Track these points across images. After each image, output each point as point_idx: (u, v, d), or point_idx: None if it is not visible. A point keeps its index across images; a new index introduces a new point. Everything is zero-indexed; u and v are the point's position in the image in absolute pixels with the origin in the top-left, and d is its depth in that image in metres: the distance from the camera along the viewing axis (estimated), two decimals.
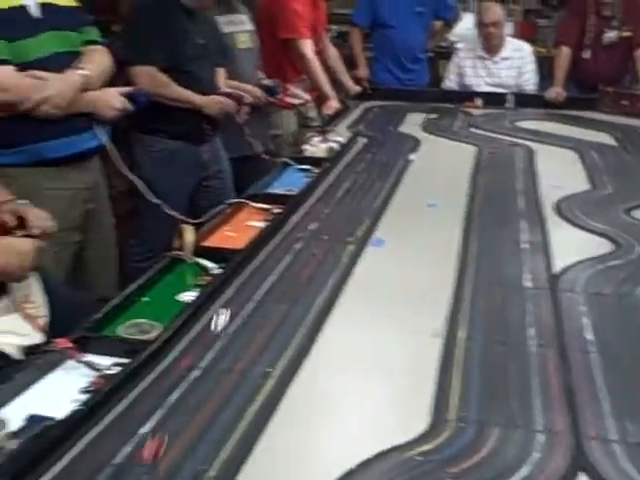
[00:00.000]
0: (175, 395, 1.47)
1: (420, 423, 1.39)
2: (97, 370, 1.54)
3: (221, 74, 3.47)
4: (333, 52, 4.75)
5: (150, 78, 3.09)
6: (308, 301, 1.87)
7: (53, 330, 1.93)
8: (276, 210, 2.50)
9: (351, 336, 1.74)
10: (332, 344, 1.69)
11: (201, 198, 3.40)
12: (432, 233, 2.43)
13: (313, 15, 4.31)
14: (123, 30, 3.52)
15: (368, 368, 1.60)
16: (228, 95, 3.35)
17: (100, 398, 1.39)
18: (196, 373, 1.55)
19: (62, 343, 1.57)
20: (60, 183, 2.51)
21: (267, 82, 3.86)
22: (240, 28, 3.79)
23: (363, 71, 5.10)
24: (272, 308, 1.84)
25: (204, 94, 3.25)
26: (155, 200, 2.70)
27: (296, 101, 4.05)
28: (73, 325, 2.00)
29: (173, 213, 2.64)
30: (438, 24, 5.46)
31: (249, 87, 3.65)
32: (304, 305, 1.85)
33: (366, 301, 1.93)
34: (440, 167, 3.29)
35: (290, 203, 2.54)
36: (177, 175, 3.26)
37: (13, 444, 1.24)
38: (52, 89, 2.39)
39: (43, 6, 2.48)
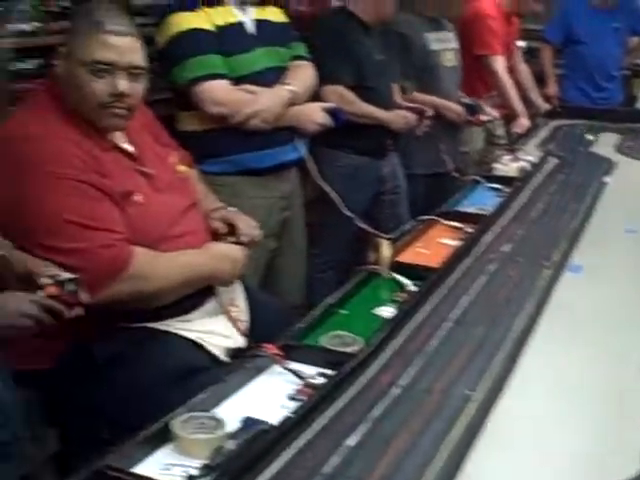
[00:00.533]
0: (377, 411, 1.48)
1: (633, 463, 1.33)
2: (302, 378, 1.59)
3: (396, 89, 3.48)
4: (524, 68, 4.66)
5: (339, 97, 3.11)
6: (506, 324, 1.84)
7: (252, 334, 2.02)
8: (468, 229, 2.49)
9: (553, 361, 1.70)
10: (533, 369, 1.66)
11: (377, 212, 3.42)
12: (632, 261, 2.33)
13: (506, 31, 4.25)
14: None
15: (572, 395, 1.56)
16: (411, 109, 3.35)
17: (309, 407, 1.43)
18: (396, 390, 1.56)
19: (271, 349, 1.63)
20: (261, 192, 2.63)
21: (467, 100, 3.85)
22: (447, 46, 3.79)
23: (553, 88, 4.97)
24: (469, 329, 1.83)
25: (385, 109, 3.28)
26: (348, 213, 2.75)
27: (485, 118, 4.00)
28: (270, 330, 2.09)
29: (365, 226, 2.68)
30: (635, 40, 5.22)
31: (450, 104, 3.66)
32: (502, 327, 1.82)
33: (567, 326, 1.87)
34: (638, 191, 3.14)
35: (483, 222, 2.51)
36: (357, 189, 3.30)
37: (231, 444, 1.31)
38: (262, 104, 2.50)
39: (258, 22, 2.61)
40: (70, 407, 2.09)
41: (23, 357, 1.69)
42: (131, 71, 1.84)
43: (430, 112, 3.41)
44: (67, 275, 1.53)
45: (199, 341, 1.88)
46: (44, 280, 1.50)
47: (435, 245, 2.43)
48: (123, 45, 1.82)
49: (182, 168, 2.09)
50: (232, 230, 2.05)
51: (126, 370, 1.82)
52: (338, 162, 3.32)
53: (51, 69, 1.89)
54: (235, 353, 1.95)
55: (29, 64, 2.43)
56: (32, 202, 1.71)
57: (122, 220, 1.80)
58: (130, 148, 1.93)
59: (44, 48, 2.47)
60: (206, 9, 2.50)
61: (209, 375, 1.81)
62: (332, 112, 2.75)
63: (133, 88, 1.84)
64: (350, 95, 3.18)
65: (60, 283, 1.51)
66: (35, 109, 1.84)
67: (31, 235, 1.71)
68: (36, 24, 2.44)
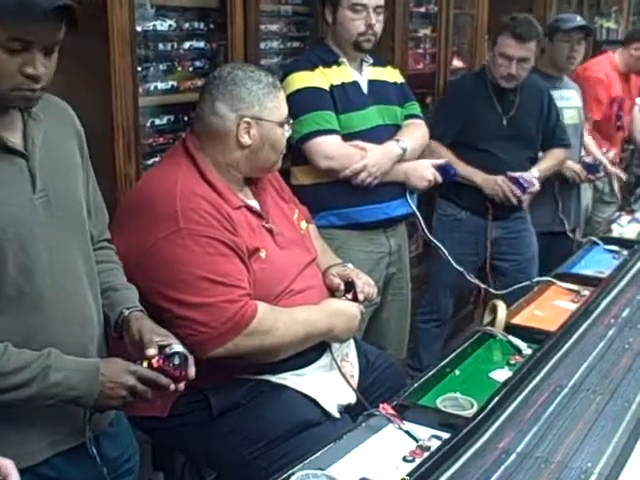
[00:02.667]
0: (493, 479, 1.47)
1: None
2: (416, 440, 1.59)
3: (551, 155, 3.43)
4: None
5: (430, 152, 3.07)
6: (627, 394, 1.80)
7: (362, 390, 2.04)
8: (585, 292, 2.44)
9: None
10: None
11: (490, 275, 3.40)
12: None
13: (625, 89, 4.20)
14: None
15: None
16: (514, 180, 3.25)
17: (424, 470, 1.43)
18: (513, 457, 1.54)
19: (386, 409, 1.64)
20: (369, 246, 2.69)
21: (588, 160, 3.80)
22: (568, 104, 3.75)
23: None
24: (587, 398, 1.79)
25: (496, 173, 3.24)
26: (458, 268, 2.75)
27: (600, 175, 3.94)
28: (381, 386, 2.10)
29: (476, 281, 2.68)
30: None
31: (571, 163, 3.62)
32: (623, 398, 1.78)
33: None
34: None
35: (601, 286, 2.46)
36: (463, 244, 3.29)
37: None
38: (371, 159, 2.56)
39: (373, 82, 2.70)
40: (182, 453, 2.16)
41: (138, 403, 1.75)
42: None
43: (534, 188, 3.29)
44: (175, 348, 1.53)
45: (313, 396, 1.92)
46: (150, 351, 1.50)
47: (551, 308, 2.40)
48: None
49: (303, 224, 2.15)
50: (349, 287, 2.08)
51: (241, 421, 1.87)
52: (444, 211, 3.36)
53: (191, 129, 2.01)
54: (346, 409, 1.97)
55: (162, 120, 2.56)
56: (165, 255, 1.80)
57: (247, 276, 1.86)
58: (256, 205, 2.01)
59: (176, 105, 2.61)
60: (322, 69, 2.61)
61: (322, 430, 1.84)
62: (442, 168, 2.78)
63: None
64: (443, 151, 3.17)
65: (166, 356, 1.51)
66: (171, 166, 1.94)
67: (159, 285, 1.79)
68: (170, 83, 2.58)
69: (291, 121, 2.05)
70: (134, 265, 1.80)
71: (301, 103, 2.51)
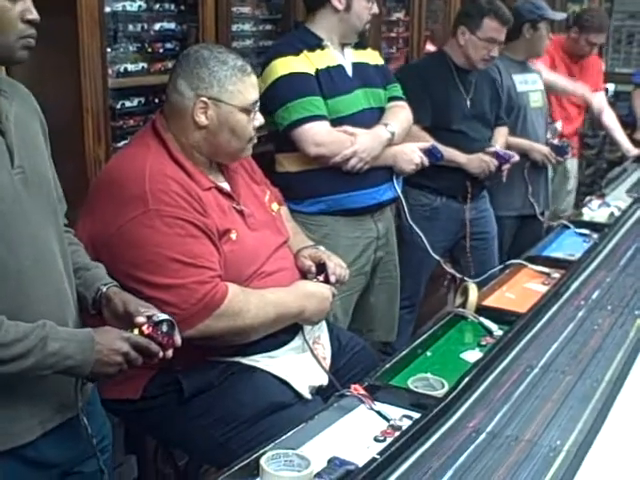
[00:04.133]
0: (462, 457, 1.48)
1: None
2: (388, 420, 1.60)
3: (501, 133, 3.47)
4: (609, 111, 4.61)
5: (412, 137, 3.01)
6: (596, 374, 1.81)
7: (334, 371, 2.04)
8: (556, 275, 2.46)
9: None
10: (625, 423, 1.63)
11: (459, 255, 3.40)
12: None
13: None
14: None
15: None
16: (495, 154, 3.30)
17: (395, 449, 1.43)
18: (483, 436, 1.55)
19: (357, 390, 1.65)
20: (357, 232, 2.67)
21: (556, 142, 3.82)
22: (533, 87, 3.78)
23: None
24: (557, 378, 1.80)
25: (470, 153, 3.25)
26: (435, 256, 2.76)
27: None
28: (353, 369, 2.11)
29: (452, 271, 2.68)
30: None
31: (538, 146, 3.64)
32: (592, 378, 1.80)
33: None
34: None
35: (571, 269, 2.48)
36: (438, 231, 3.26)
37: None
38: (362, 144, 2.55)
39: (356, 65, 2.68)
40: (154, 436, 2.15)
41: (110, 385, 1.74)
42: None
43: (515, 158, 3.36)
44: (162, 316, 1.55)
45: (284, 377, 1.91)
46: (139, 319, 1.52)
47: (522, 290, 2.41)
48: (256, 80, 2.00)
49: (275, 206, 2.14)
50: (321, 269, 2.08)
51: (213, 403, 1.86)
52: (418, 202, 3.32)
53: (161, 110, 1.98)
54: (318, 390, 1.97)
55: (133, 102, 2.53)
56: (134, 236, 1.78)
57: (217, 257, 1.85)
58: (227, 187, 1.99)
59: (146, 87, 2.58)
60: (307, 53, 2.58)
61: (294, 411, 1.84)
62: (429, 151, 2.78)
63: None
64: (424, 135, 3.14)
65: (155, 323, 1.53)
66: (140, 147, 1.92)
67: (129, 267, 1.77)
68: (140, 64, 2.55)
69: (256, 108, 1.97)
70: (102, 246, 1.79)
71: (288, 89, 2.49)
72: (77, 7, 2.24)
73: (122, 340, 1.48)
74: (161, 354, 1.53)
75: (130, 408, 1.88)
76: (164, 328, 1.54)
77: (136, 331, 1.52)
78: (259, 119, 1.97)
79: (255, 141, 2.01)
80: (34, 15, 1.42)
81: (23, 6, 1.39)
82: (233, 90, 1.90)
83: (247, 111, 1.93)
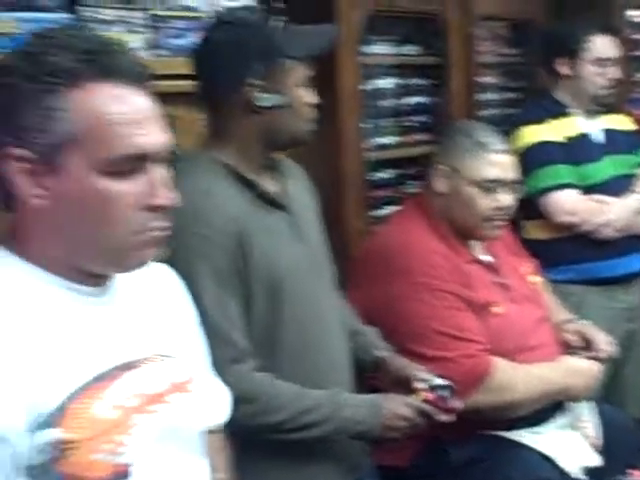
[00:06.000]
0: None
1: None
2: None
3: None
4: None
5: None
6: None
7: (604, 452, 1.95)
8: None
9: None
10: None
11: None
12: None
13: None
14: None
15: None
16: None
17: None
18: None
19: (637, 475, 1.57)
20: (607, 302, 2.58)
21: None
22: None
23: None
24: None
25: None
26: None
27: None
28: (624, 449, 2.00)
29: None
30: None
31: None
32: None
33: None
34: None
35: None
36: None
37: None
38: (614, 213, 2.50)
39: (605, 132, 2.64)
40: None
41: (382, 453, 1.78)
42: (512, 185, 1.98)
43: None
44: (440, 381, 1.58)
45: (551, 455, 1.86)
46: (419, 385, 1.57)
47: None
48: (506, 162, 1.98)
49: (534, 279, 2.12)
50: (586, 344, 2.02)
51: (482, 476, 1.84)
52: None
53: (426, 184, 2.04)
54: (590, 471, 1.89)
55: (388, 174, 2.64)
56: (403, 309, 1.83)
57: (482, 331, 1.86)
58: (488, 259, 2.00)
59: (400, 160, 2.68)
60: (553, 121, 2.58)
61: None
62: None
63: (512, 200, 1.98)
64: None
65: (434, 388, 1.56)
66: (404, 221, 1.99)
67: (398, 338, 1.81)
68: (394, 138, 2.65)
69: (500, 189, 1.95)
70: (369, 316, 1.85)
71: (536, 157, 2.50)
72: (337, 86, 2.39)
73: (407, 406, 1.53)
74: (443, 418, 1.56)
75: (398, 476, 1.91)
76: (444, 392, 1.57)
77: (417, 396, 1.56)
78: (504, 201, 1.95)
79: (501, 224, 2.00)
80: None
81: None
82: (469, 164, 1.94)
83: (482, 187, 1.94)
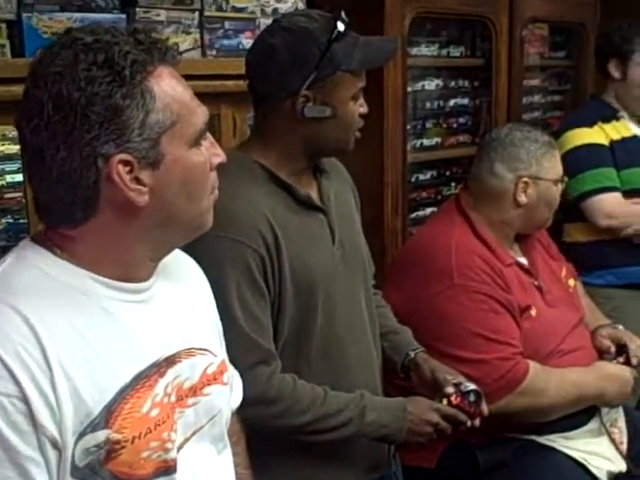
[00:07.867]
0: None
1: None
2: None
3: None
4: None
5: None
6: None
7: (631, 457, 1.96)
8: None
9: None
10: None
11: None
12: None
13: None
14: None
15: None
16: None
17: None
18: None
19: None
20: None
21: None
22: None
23: None
24: None
25: None
26: None
27: None
28: None
29: None
30: None
31: None
32: None
33: None
34: None
35: None
36: None
37: None
38: None
39: None
40: None
41: (408, 454, 1.81)
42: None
43: None
44: (470, 386, 1.59)
45: (582, 460, 1.87)
46: (448, 389, 1.57)
47: None
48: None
49: (571, 282, 2.13)
50: (621, 350, 2.02)
51: (507, 479, 1.86)
52: None
53: (462, 186, 2.06)
54: (616, 477, 1.91)
55: (427, 175, 2.66)
56: (440, 310, 1.86)
57: (519, 334, 1.87)
58: (526, 262, 2.02)
59: (440, 161, 2.70)
60: (602, 124, 2.58)
61: None
62: None
63: None
64: None
65: (463, 393, 1.58)
66: (445, 223, 2.01)
67: (433, 340, 1.83)
68: (436, 139, 2.68)
69: (565, 178, 2.06)
70: (406, 317, 1.87)
71: (581, 160, 2.51)
72: (383, 87, 2.41)
73: (432, 411, 1.54)
74: (469, 423, 1.57)
75: (425, 476, 1.93)
76: (471, 398, 1.58)
77: (445, 401, 1.57)
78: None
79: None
80: (366, 109, 1.53)
81: (360, 102, 1.52)
82: (548, 166, 1.99)
83: (557, 182, 2.02)
